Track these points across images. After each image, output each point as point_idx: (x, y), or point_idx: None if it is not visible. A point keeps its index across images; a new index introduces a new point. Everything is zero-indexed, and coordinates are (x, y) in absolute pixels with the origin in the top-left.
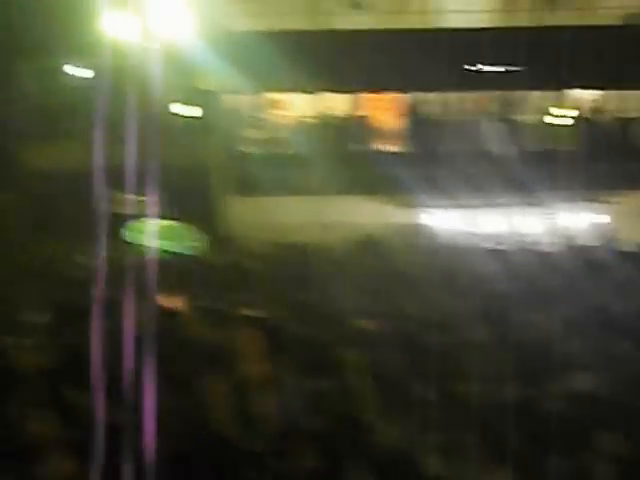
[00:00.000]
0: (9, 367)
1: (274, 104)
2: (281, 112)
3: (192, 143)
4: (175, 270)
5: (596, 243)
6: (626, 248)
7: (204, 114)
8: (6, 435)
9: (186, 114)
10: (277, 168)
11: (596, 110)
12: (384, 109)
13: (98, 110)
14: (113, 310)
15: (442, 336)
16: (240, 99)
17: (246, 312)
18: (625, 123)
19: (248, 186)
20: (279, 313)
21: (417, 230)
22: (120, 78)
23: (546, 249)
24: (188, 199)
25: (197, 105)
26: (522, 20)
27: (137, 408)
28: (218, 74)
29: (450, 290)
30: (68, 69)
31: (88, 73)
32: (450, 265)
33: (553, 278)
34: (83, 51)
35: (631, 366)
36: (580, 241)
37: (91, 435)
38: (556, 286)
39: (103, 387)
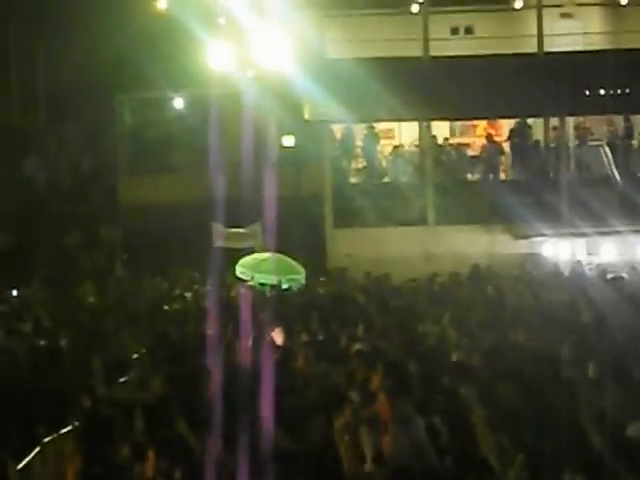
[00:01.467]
0: None
1: (381, 133)
2: (388, 141)
3: (298, 174)
4: (284, 304)
5: None
6: None
7: (309, 144)
8: None
9: (291, 144)
10: (383, 198)
11: None
12: (494, 135)
13: (203, 142)
14: (226, 346)
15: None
16: (346, 128)
17: (358, 346)
18: None
19: (354, 217)
20: (391, 347)
21: (531, 260)
22: (224, 110)
23: None
24: (294, 231)
25: (302, 135)
26: (635, 42)
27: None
28: (323, 103)
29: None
30: (172, 101)
31: (192, 105)
32: (566, 297)
33: None
34: (187, 83)
35: None
36: None
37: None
38: None
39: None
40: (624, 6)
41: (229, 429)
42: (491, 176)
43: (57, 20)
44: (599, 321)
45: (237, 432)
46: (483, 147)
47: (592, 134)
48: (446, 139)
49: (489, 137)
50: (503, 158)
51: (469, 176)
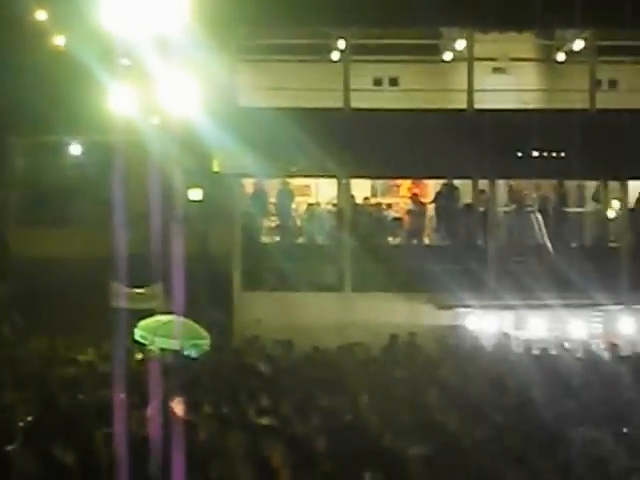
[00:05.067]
0: None
1: (297, 190)
2: (304, 199)
3: (205, 231)
4: (187, 372)
5: None
6: None
7: (219, 199)
8: None
9: (199, 198)
10: (298, 260)
11: None
12: (416, 196)
13: (103, 193)
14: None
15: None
16: (259, 184)
17: (262, 421)
18: None
19: (265, 280)
20: (299, 423)
21: (453, 332)
22: (127, 158)
23: (594, 357)
24: (199, 293)
25: (211, 189)
26: (572, 101)
27: None
28: (234, 155)
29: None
30: (68, 146)
31: (92, 151)
32: (489, 373)
33: (599, 390)
34: (87, 127)
35: None
36: (632, 348)
37: None
38: (603, 399)
39: None
40: (561, 63)
41: None
42: (414, 241)
43: None
44: (524, 401)
45: None
46: (406, 209)
47: (526, 199)
48: (366, 198)
49: (414, 198)
50: (427, 222)
51: (390, 240)
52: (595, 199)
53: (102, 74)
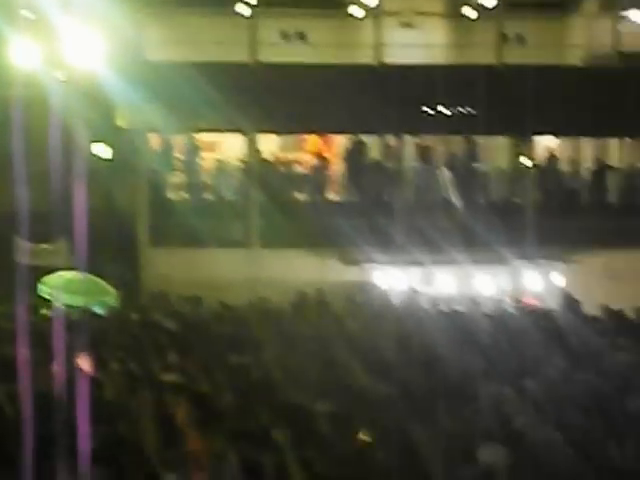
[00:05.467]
0: None
1: (204, 146)
2: (211, 155)
3: (110, 187)
4: (88, 329)
5: (556, 307)
6: (588, 312)
7: (124, 154)
8: None
9: (104, 154)
10: (206, 216)
11: (567, 160)
12: (326, 152)
13: (4, 148)
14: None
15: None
16: (166, 139)
17: (169, 378)
18: (598, 174)
19: (173, 236)
20: (206, 380)
21: (361, 289)
22: (28, 113)
23: (502, 313)
24: (106, 249)
25: (117, 145)
26: (479, 56)
27: None
28: (140, 110)
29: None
30: None
31: None
32: (397, 330)
33: (506, 346)
34: None
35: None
36: (539, 303)
37: None
38: (507, 355)
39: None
40: (469, 18)
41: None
42: (322, 197)
43: None
44: (431, 357)
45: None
46: (313, 165)
47: (434, 155)
48: (274, 154)
49: (319, 154)
50: (336, 178)
51: (298, 196)
52: (504, 156)
53: (3, 27)
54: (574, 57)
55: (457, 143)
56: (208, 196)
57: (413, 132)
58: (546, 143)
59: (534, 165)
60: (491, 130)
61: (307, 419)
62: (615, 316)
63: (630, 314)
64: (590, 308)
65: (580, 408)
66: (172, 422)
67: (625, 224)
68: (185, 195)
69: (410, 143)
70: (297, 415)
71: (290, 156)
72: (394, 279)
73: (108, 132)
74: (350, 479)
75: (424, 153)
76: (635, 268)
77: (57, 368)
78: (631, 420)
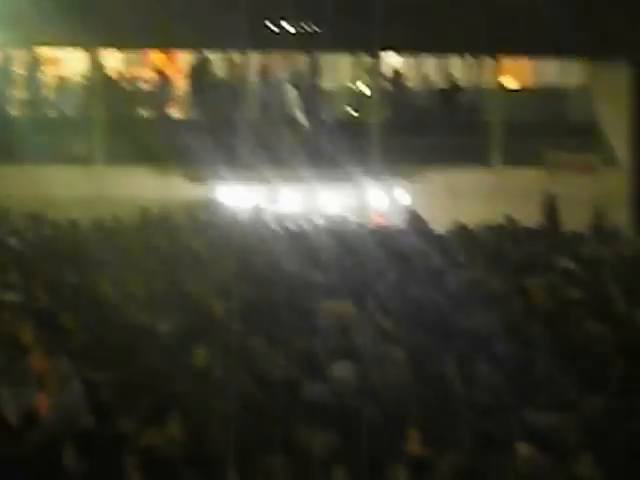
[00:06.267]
0: None
1: (46, 61)
2: (53, 70)
3: None
4: None
5: (401, 224)
6: (432, 230)
7: None
8: None
9: None
10: (47, 133)
11: (413, 78)
12: (170, 69)
13: None
14: None
15: None
16: (5, 54)
17: (10, 297)
18: (443, 93)
19: (13, 152)
20: (48, 299)
21: (206, 206)
22: None
23: (346, 231)
24: None
25: None
26: None
27: None
28: None
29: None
30: None
31: None
32: (241, 248)
33: (349, 264)
34: None
35: None
36: (384, 221)
37: None
38: (350, 273)
39: None
40: None
41: None
42: (167, 114)
43: None
44: (275, 275)
45: None
46: (157, 81)
47: (280, 72)
48: (117, 71)
49: (161, 71)
50: (181, 95)
51: (142, 113)
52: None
53: None
54: None
55: (302, 60)
56: (50, 112)
57: (257, 48)
58: (392, 60)
59: (380, 82)
60: (337, 47)
61: (148, 336)
62: (459, 234)
63: (474, 232)
64: (434, 226)
65: (417, 325)
66: (15, 341)
67: (467, 142)
68: (25, 111)
69: (255, 60)
70: (138, 333)
71: (134, 72)
72: (239, 197)
73: None
74: (190, 397)
75: (269, 70)
76: (477, 186)
77: None
78: (466, 337)
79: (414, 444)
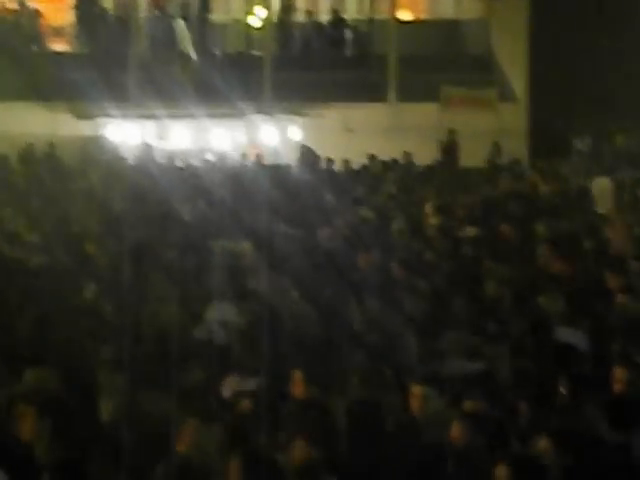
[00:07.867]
0: None
1: None
2: None
3: None
4: None
5: (294, 161)
6: (326, 167)
7: None
8: None
9: None
10: None
11: (304, 11)
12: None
13: None
14: None
15: None
16: None
17: None
18: (334, 27)
19: None
20: None
21: (94, 143)
22: None
23: (237, 168)
24: None
25: None
26: None
27: None
28: None
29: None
30: None
31: None
32: (130, 185)
33: (241, 201)
34: None
35: None
36: (275, 159)
37: None
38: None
39: None
40: None
41: None
42: (51, 46)
43: None
44: (166, 212)
45: None
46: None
47: (168, 5)
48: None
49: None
50: (67, 28)
51: (25, 46)
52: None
53: None
54: None
55: None
56: None
57: None
58: None
59: (270, 16)
60: None
61: (26, 275)
62: (354, 170)
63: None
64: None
65: (313, 265)
66: None
67: (360, 77)
68: None
69: None
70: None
71: (12, 5)
72: (128, 133)
73: None
74: (80, 332)
75: (158, 3)
76: (370, 121)
77: None
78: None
79: (298, 386)
